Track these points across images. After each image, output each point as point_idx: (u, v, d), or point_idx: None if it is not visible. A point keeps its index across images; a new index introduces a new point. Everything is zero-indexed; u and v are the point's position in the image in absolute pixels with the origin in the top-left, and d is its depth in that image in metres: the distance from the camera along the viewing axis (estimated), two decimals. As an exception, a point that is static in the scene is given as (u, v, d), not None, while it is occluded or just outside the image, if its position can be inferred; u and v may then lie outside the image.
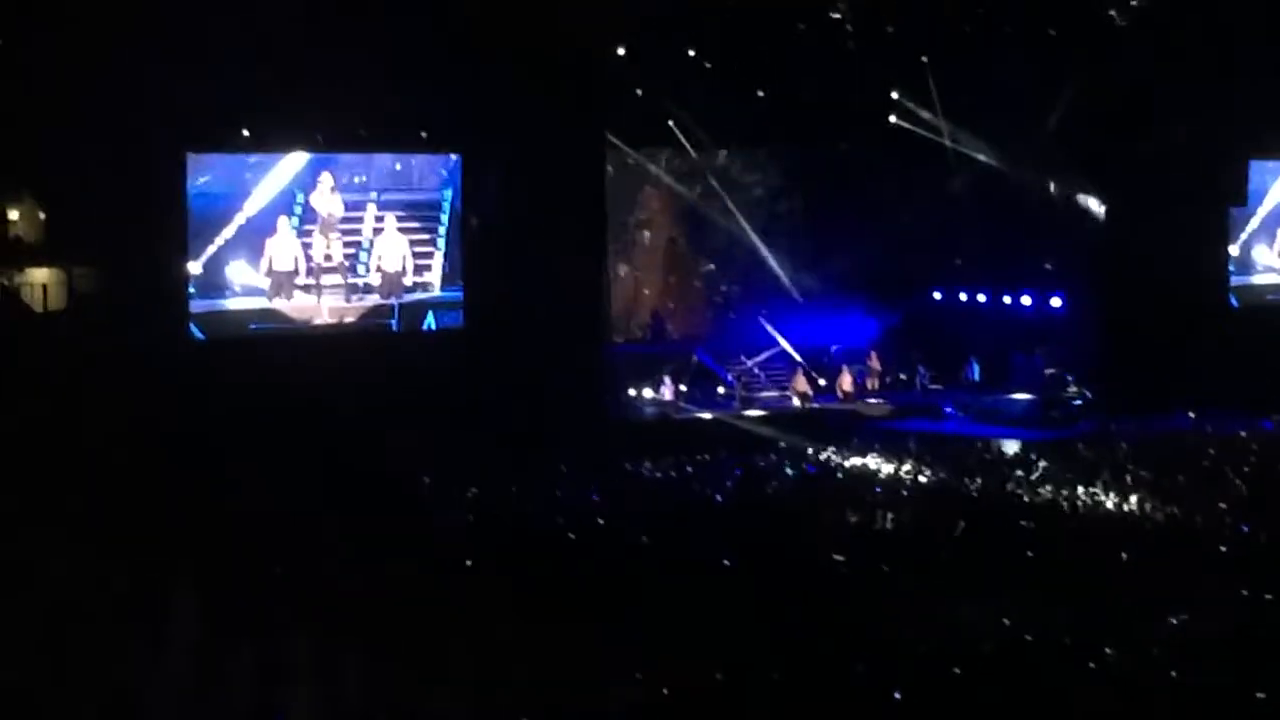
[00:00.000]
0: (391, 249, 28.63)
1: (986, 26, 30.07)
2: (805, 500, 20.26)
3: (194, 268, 26.82)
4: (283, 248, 27.74)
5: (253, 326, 27.55)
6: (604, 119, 30.07)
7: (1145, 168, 30.35)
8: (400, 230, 28.62)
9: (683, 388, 31.57)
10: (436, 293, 28.90)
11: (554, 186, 28.38)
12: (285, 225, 27.69)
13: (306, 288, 28.05)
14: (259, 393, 25.14)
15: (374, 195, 28.43)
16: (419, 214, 28.77)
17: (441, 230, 28.91)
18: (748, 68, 30.71)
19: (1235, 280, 33.60)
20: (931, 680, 11.76)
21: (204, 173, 26.92)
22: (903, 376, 33.50)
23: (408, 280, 28.70)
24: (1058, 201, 32.00)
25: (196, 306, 26.98)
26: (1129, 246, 30.72)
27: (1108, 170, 31.26)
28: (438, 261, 28.90)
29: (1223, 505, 19.14)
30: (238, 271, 27.34)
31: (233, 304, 27.39)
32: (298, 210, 27.81)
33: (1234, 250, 33.54)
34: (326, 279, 28.21)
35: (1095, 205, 31.62)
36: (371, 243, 28.44)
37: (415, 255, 28.73)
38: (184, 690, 11.67)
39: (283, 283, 27.75)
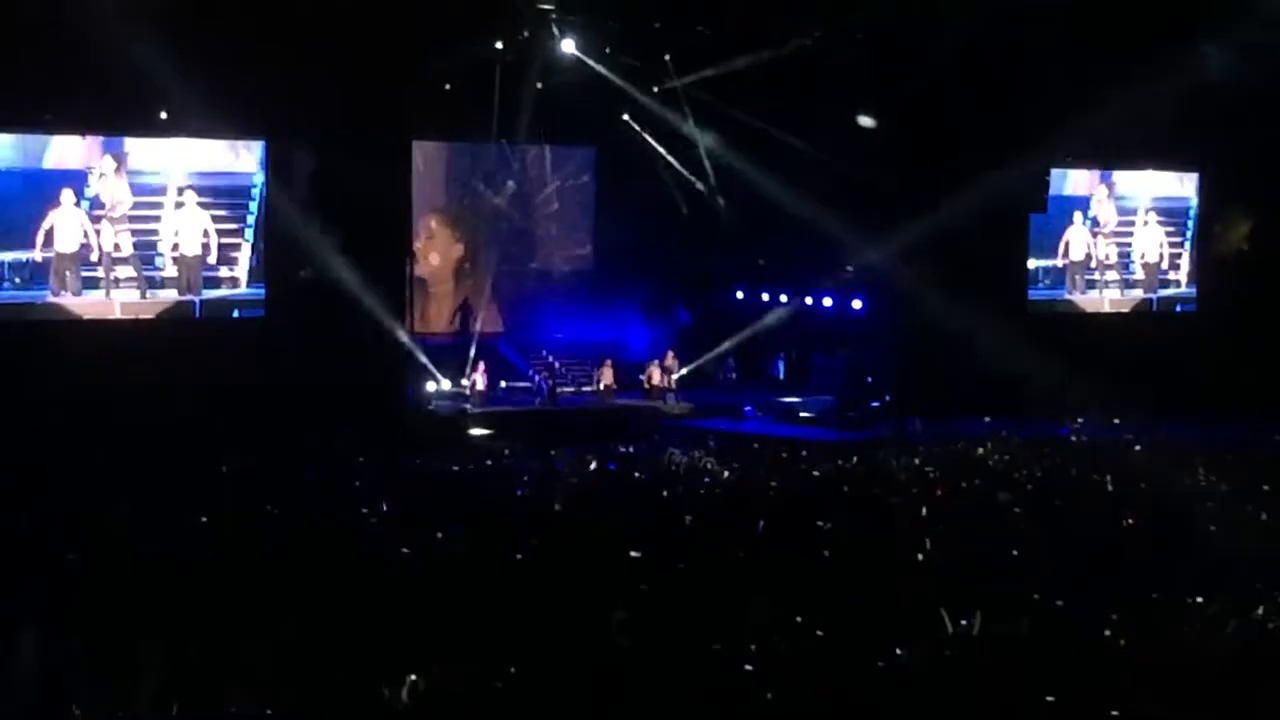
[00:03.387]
0: (191, 230, 27.57)
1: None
2: (601, 497, 20.23)
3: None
4: (68, 235, 26.65)
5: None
6: (413, 110, 29.80)
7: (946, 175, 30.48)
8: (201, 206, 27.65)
9: (484, 381, 31.45)
10: (243, 289, 27.99)
11: (361, 176, 27.38)
12: (70, 208, 26.59)
13: (95, 281, 27.00)
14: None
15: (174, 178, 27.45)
16: (225, 200, 27.82)
17: (249, 220, 28.03)
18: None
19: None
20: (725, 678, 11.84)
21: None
22: (705, 374, 33.83)
23: (211, 260, 27.65)
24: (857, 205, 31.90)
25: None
26: (930, 250, 30.89)
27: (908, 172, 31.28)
28: (245, 254, 27.96)
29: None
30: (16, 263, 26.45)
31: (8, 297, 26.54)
32: (88, 194, 26.81)
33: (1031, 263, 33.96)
34: (118, 271, 27.18)
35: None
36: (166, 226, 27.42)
37: (221, 247, 27.72)
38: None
39: (66, 273, 26.69)
